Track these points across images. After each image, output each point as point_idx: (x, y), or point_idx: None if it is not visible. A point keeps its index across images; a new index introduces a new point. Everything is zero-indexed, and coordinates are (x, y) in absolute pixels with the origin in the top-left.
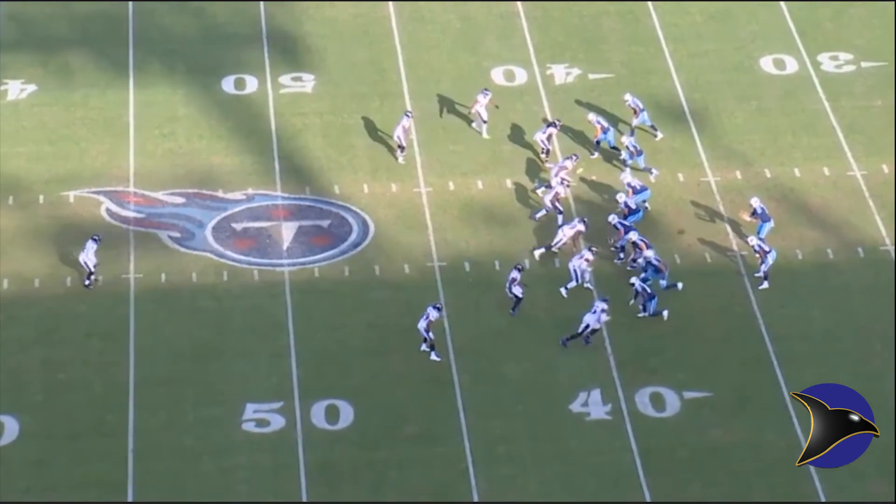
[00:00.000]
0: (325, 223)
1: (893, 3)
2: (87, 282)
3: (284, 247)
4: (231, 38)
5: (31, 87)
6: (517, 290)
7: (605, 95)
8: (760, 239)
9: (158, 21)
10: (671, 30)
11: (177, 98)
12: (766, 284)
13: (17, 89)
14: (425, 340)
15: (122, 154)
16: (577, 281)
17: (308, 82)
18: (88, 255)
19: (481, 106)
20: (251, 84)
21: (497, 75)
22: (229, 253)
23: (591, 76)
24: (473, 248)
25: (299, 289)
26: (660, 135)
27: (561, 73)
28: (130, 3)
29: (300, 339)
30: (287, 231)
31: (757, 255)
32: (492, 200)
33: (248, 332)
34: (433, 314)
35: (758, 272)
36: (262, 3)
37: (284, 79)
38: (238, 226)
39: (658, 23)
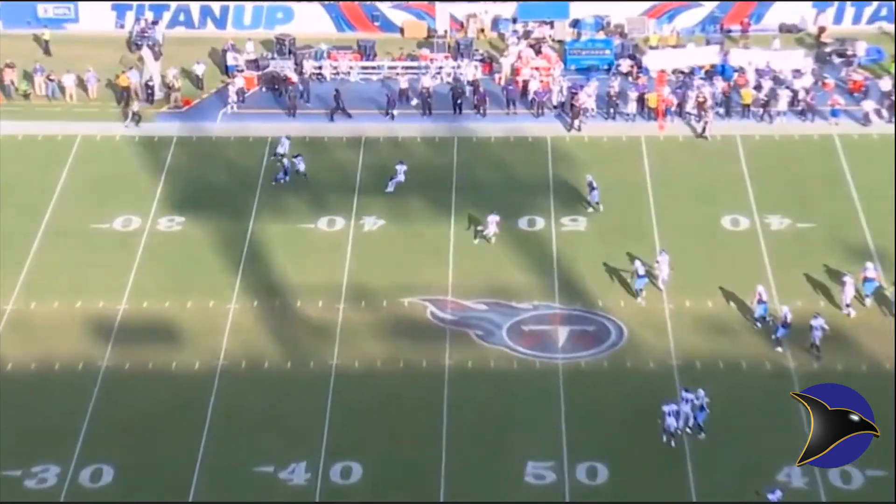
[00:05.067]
0: (590, 328)
1: None
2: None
3: (559, 345)
4: (526, 187)
5: (382, 222)
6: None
7: (807, 241)
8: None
9: (474, 174)
10: (862, 191)
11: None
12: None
13: (372, 222)
14: (670, 433)
15: (444, 271)
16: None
17: (581, 223)
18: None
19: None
20: (539, 223)
21: (725, 222)
22: (518, 348)
23: (798, 225)
24: (704, 352)
25: (569, 376)
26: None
27: (776, 222)
28: (455, 159)
29: (569, 412)
30: (562, 333)
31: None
32: (718, 316)
33: (531, 405)
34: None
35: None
36: (550, 161)
37: (565, 220)
38: (526, 328)
39: (853, 184)
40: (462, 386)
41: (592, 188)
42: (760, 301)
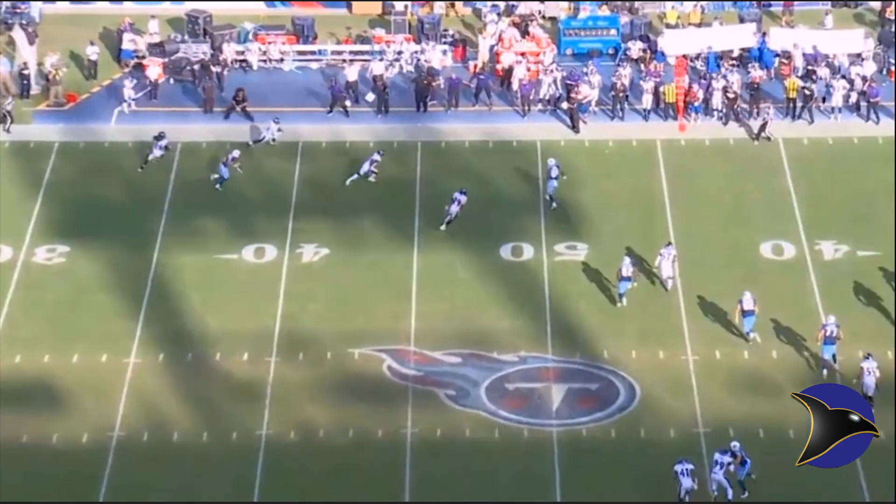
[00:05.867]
0: (593, 386)
1: None
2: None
3: (554, 408)
4: (510, 205)
5: (325, 251)
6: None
7: (869, 273)
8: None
9: (443, 188)
10: None
11: (457, 263)
12: None
13: (311, 252)
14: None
15: (405, 314)
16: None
17: (582, 251)
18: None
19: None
20: (527, 251)
21: (766, 249)
22: (501, 412)
23: (858, 253)
24: (739, 416)
25: (566, 447)
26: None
27: (829, 250)
28: (418, 170)
29: (566, 494)
30: (557, 393)
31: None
32: (758, 370)
33: (517, 485)
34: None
35: None
36: (539, 172)
37: (559, 247)
38: (510, 386)
39: None
40: (429, 461)
41: (551, 177)
42: (745, 313)
